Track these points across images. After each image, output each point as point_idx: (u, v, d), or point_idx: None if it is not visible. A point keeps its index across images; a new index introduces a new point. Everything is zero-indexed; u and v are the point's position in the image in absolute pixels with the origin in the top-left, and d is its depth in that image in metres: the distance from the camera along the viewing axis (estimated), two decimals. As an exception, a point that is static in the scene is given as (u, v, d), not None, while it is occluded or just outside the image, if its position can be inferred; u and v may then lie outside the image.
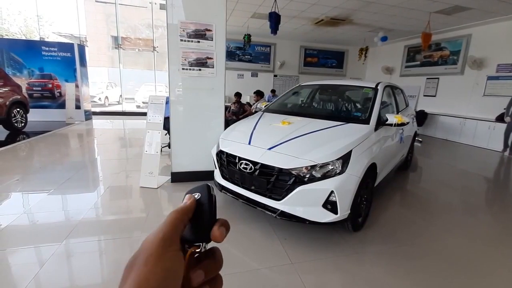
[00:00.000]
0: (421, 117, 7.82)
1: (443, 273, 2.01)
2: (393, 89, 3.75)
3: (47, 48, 7.68)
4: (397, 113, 3.54)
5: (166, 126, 3.65)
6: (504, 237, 2.60)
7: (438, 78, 8.37)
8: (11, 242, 2.12)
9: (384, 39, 8.10)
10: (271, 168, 2.19)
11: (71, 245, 2.10)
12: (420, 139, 7.26)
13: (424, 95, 8.86)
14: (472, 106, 7.32)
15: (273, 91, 9.08)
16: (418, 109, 8.48)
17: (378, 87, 3.15)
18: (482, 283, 1.95)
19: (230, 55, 10.15)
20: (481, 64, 6.99)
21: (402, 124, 2.72)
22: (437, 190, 3.81)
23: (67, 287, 1.73)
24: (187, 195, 0.33)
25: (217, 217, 0.33)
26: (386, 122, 2.74)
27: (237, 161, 2.41)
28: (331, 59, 11.52)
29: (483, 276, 2.02)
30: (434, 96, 8.50)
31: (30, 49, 7.63)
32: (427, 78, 8.73)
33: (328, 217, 2.09)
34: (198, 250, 0.31)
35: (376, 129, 2.67)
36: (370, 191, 2.58)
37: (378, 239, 2.43)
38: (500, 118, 6.25)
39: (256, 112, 3.65)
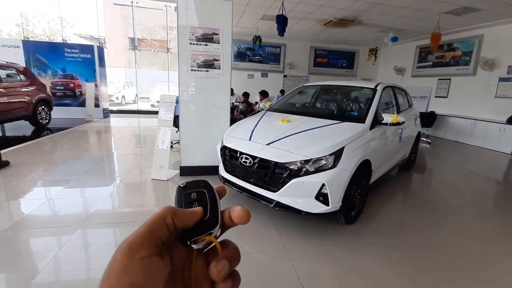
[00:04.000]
0: (430, 118, 7.75)
1: (428, 264, 2.13)
2: (395, 89, 3.84)
3: (69, 50, 8.20)
4: (398, 113, 3.64)
5: (176, 123, 3.91)
6: (496, 237, 2.67)
7: (450, 79, 8.26)
8: (35, 225, 2.37)
9: (394, 39, 8.07)
10: (268, 162, 2.38)
11: (87, 231, 2.36)
12: (429, 141, 7.22)
13: (436, 96, 8.75)
14: (484, 107, 7.19)
15: (282, 91, 9.23)
16: (429, 110, 8.40)
17: (377, 88, 3.27)
18: (465, 274, 2.06)
19: (241, 55, 10.38)
20: (493, 65, 6.88)
21: (397, 124, 2.84)
22: (440, 190, 3.87)
23: (82, 268, 1.98)
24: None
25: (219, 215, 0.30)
26: (382, 122, 2.87)
27: (238, 155, 2.62)
28: (342, 59, 11.52)
29: (468, 268, 2.12)
30: (446, 97, 8.39)
31: (54, 50, 8.17)
32: (439, 79, 8.61)
33: (320, 208, 2.26)
34: (207, 241, 0.29)
35: (371, 127, 2.81)
36: (364, 186, 2.72)
37: (371, 232, 2.57)
38: (511, 120, 6.15)
39: (259, 111, 3.84)
